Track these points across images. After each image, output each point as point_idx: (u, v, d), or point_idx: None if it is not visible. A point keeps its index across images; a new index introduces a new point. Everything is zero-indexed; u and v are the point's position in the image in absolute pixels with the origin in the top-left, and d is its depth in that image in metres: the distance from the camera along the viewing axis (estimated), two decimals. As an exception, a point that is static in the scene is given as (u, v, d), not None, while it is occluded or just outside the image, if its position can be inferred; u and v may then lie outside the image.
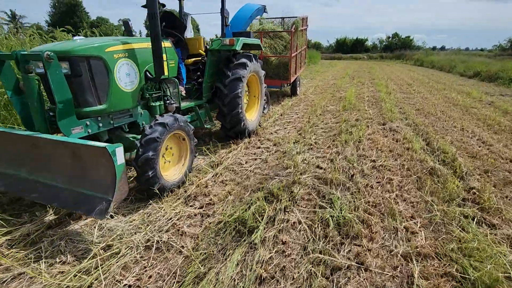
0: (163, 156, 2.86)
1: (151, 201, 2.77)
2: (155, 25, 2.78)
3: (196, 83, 4.28)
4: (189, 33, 4.87)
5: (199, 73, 4.39)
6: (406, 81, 13.15)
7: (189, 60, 4.32)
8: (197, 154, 4.02)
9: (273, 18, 9.43)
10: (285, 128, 5.51)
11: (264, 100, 5.28)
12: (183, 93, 3.94)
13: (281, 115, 6.55)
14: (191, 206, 2.77)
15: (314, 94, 9.12)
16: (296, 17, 8.23)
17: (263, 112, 6.14)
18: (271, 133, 5.18)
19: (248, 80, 4.78)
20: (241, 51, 4.37)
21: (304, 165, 3.72)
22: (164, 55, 3.18)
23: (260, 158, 4.04)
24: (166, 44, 3.47)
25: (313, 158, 4.00)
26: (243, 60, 4.17)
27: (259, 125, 5.27)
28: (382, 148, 4.30)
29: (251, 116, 4.92)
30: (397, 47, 41.74)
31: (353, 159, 3.85)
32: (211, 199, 2.87)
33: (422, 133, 5.11)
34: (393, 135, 5.04)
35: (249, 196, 2.95)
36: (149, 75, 3.10)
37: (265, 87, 5.16)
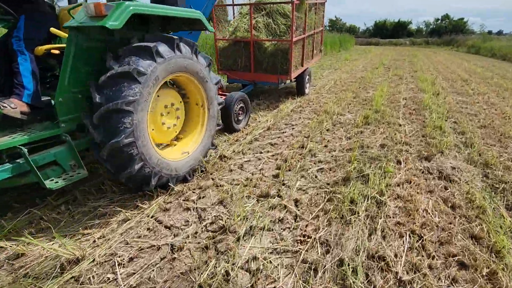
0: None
1: None
2: None
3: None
4: None
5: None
6: (460, 75, 10.13)
7: (42, 47, 2.38)
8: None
9: None
10: (259, 159, 3.45)
11: (218, 108, 3.18)
12: (19, 114, 2.06)
13: (268, 129, 4.46)
14: None
15: (330, 93, 6.81)
16: None
17: (237, 127, 4.14)
18: (231, 170, 3.17)
19: (181, 81, 2.82)
20: (145, 33, 2.41)
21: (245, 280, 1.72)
22: None
23: (161, 255, 2.09)
24: None
25: (272, 254, 1.97)
26: (148, 44, 2.19)
27: (214, 148, 3.29)
28: (422, 232, 2.14)
29: (184, 147, 2.94)
30: (447, 31, 36.21)
31: (356, 268, 1.78)
32: None
33: (501, 186, 2.80)
34: (445, 188, 2.80)
35: None
36: None
37: (218, 86, 3.12)
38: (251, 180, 2.94)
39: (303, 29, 5.61)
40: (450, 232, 2.17)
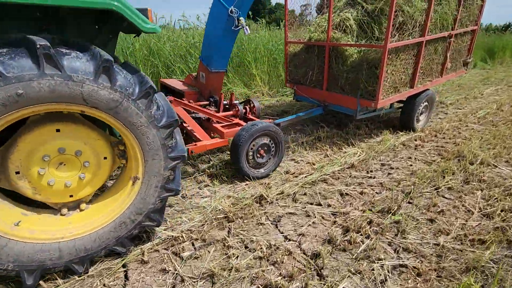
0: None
1: None
2: None
3: None
4: None
5: None
6: None
7: None
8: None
9: None
10: (308, 216, 2.37)
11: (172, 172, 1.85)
12: None
13: (351, 166, 3.17)
14: None
15: (483, 124, 4.50)
16: None
17: (254, 173, 2.88)
18: (261, 224, 2.28)
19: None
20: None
21: None
22: None
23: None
24: None
25: None
26: None
27: (155, 225, 1.95)
28: None
29: (85, 218, 1.82)
30: None
31: None
32: None
33: None
34: None
35: None
36: None
37: (170, 131, 1.74)
38: (275, 249, 1.98)
39: (419, 29, 3.60)
40: None
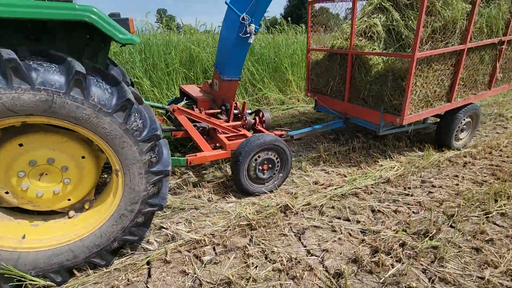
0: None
1: None
2: None
3: None
4: None
5: None
6: None
7: None
8: None
9: None
10: (334, 231, 2.25)
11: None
12: None
13: (387, 181, 2.97)
14: None
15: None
16: None
17: (257, 189, 2.71)
18: (284, 235, 2.22)
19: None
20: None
21: None
22: None
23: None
24: None
25: None
26: None
27: (135, 241, 1.93)
28: None
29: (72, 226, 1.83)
30: None
31: None
32: None
33: None
34: None
35: None
36: None
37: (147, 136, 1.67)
38: (296, 263, 1.92)
39: (460, 35, 3.14)
40: None
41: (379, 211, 2.50)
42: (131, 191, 1.70)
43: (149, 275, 1.86)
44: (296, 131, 3.52)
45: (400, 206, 2.55)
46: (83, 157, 1.71)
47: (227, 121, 3.39)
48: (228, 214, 2.44)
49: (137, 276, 1.84)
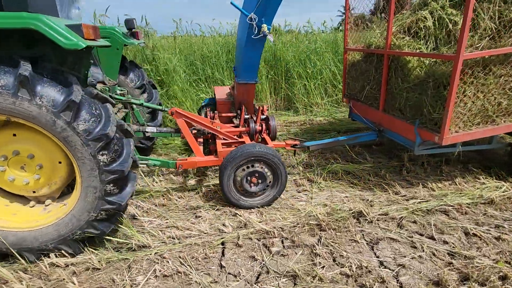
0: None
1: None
2: None
3: None
4: None
5: None
6: None
7: None
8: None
9: None
10: None
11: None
12: None
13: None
14: None
15: None
16: None
17: (244, 203, 2.54)
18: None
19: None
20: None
21: None
22: None
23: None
24: None
25: None
26: None
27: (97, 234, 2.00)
28: None
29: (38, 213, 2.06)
30: None
31: None
32: None
33: None
34: None
35: None
36: None
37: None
38: (366, 272, 1.83)
39: None
40: None
41: (474, 235, 2.15)
42: (87, 188, 1.83)
43: (223, 254, 2.06)
44: (313, 142, 3.17)
45: (505, 234, 2.13)
46: (60, 162, 1.90)
47: (238, 126, 3.27)
48: (298, 211, 2.48)
49: (213, 253, 2.06)
